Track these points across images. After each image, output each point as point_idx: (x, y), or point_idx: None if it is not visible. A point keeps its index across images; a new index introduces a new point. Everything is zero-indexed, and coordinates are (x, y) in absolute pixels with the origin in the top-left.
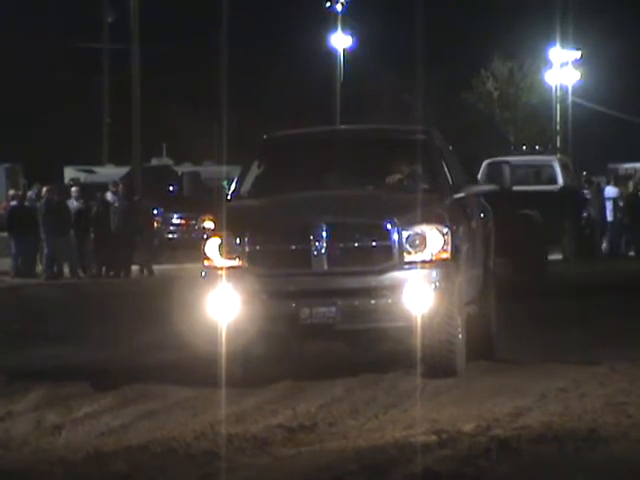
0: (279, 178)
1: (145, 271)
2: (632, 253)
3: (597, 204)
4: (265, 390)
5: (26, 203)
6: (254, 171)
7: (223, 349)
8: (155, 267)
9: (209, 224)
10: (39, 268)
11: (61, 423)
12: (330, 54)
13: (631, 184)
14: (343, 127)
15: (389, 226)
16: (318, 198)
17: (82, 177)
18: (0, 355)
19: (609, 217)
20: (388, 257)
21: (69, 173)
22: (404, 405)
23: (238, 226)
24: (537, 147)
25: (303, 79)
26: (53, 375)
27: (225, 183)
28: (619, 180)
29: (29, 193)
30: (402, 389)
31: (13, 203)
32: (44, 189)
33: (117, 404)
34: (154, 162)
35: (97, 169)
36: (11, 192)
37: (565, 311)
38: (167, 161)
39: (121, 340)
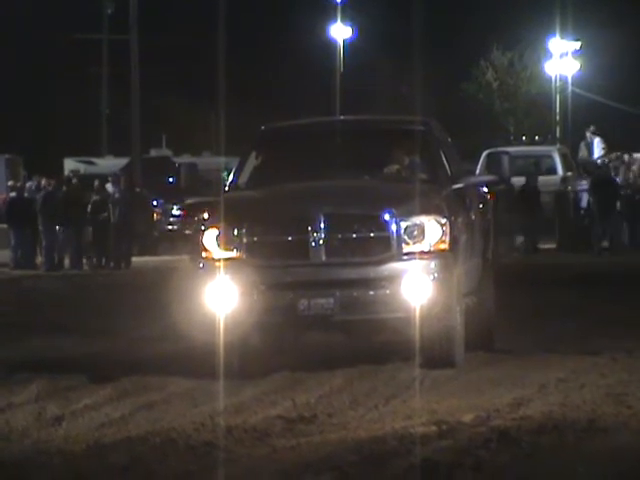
0: (277, 169)
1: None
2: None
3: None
4: (264, 381)
5: (25, 194)
6: (252, 162)
7: (221, 340)
8: (154, 259)
9: (207, 215)
10: (39, 260)
11: (61, 415)
12: (330, 45)
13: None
14: (341, 118)
15: (387, 217)
16: (316, 189)
17: (82, 168)
18: (0, 347)
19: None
20: (386, 248)
21: (69, 164)
22: (404, 396)
23: (236, 217)
24: (537, 138)
25: (303, 70)
26: (53, 367)
27: (225, 174)
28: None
29: (28, 184)
30: (402, 380)
31: (12, 194)
32: (43, 180)
33: (117, 396)
34: (153, 153)
35: (97, 160)
36: (10, 183)
37: (565, 301)
38: (166, 152)
39: (120, 332)
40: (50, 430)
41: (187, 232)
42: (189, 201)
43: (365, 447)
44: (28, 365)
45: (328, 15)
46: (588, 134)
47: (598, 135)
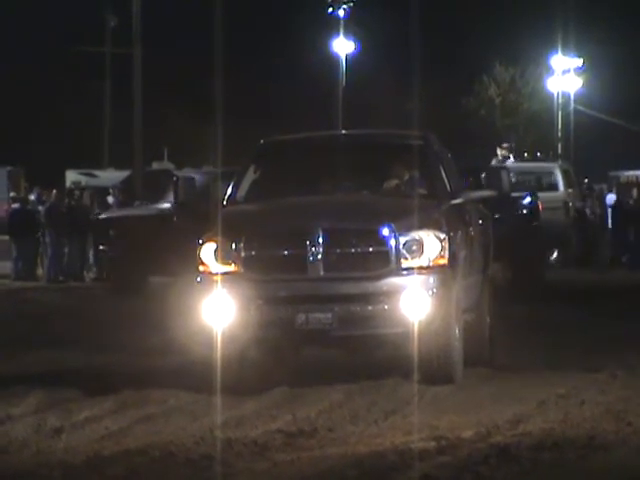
0: (275, 183)
1: None
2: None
3: (598, 211)
4: (264, 395)
5: (28, 206)
6: (250, 176)
7: (218, 355)
8: None
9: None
10: (39, 271)
11: (61, 427)
12: (332, 59)
13: (635, 191)
14: (340, 132)
15: (386, 231)
16: (314, 203)
17: (83, 181)
18: (0, 358)
19: (610, 225)
20: (385, 263)
21: (70, 176)
22: (404, 411)
23: (234, 231)
24: (539, 154)
25: (305, 84)
26: (53, 379)
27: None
28: (621, 188)
29: (30, 196)
30: (402, 395)
31: (15, 206)
32: (43, 192)
33: (116, 408)
34: (155, 166)
35: (98, 173)
36: (12, 194)
37: (565, 317)
38: (168, 165)
39: (121, 344)
40: (50, 442)
41: (101, 248)
42: (102, 216)
43: (365, 462)
44: (28, 377)
45: (331, 29)
46: (499, 151)
47: (512, 154)
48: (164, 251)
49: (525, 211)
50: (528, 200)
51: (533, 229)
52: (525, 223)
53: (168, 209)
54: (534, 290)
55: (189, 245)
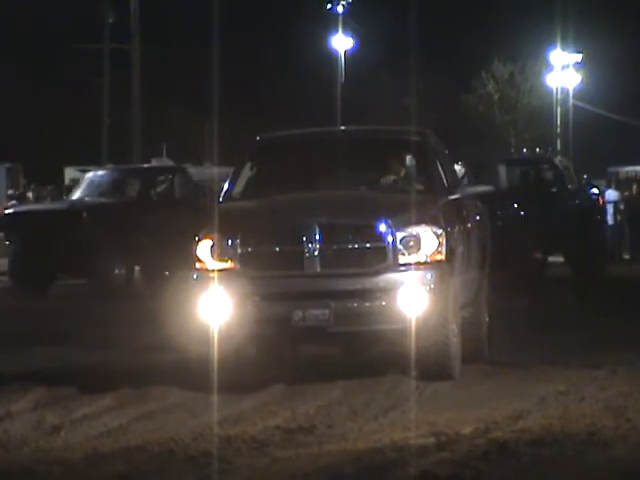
0: (272, 179)
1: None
2: (627, 256)
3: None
4: (263, 392)
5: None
6: (246, 172)
7: (215, 352)
8: None
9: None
10: None
11: (60, 424)
12: (331, 56)
13: (635, 187)
14: (337, 128)
15: (383, 227)
16: (311, 199)
17: (82, 177)
18: (0, 355)
19: (610, 221)
20: (382, 259)
21: (69, 173)
22: (403, 407)
23: (230, 228)
24: (538, 150)
25: (303, 81)
26: (52, 376)
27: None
28: (620, 184)
29: (28, 194)
30: (401, 391)
31: (13, 203)
32: (38, 188)
33: (115, 405)
34: (154, 162)
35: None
36: (10, 192)
37: (565, 313)
38: (167, 162)
39: (120, 341)
40: (49, 439)
41: (7, 243)
42: (9, 210)
43: (364, 458)
44: (27, 373)
45: (329, 26)
46: None
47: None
48: (72, 249)
49: (589, 204)
50: (595, 192)
51: (597, 223)
52: (589, 216)
53: (78, 204)
54: (595, 284)
55: (102, 243)
